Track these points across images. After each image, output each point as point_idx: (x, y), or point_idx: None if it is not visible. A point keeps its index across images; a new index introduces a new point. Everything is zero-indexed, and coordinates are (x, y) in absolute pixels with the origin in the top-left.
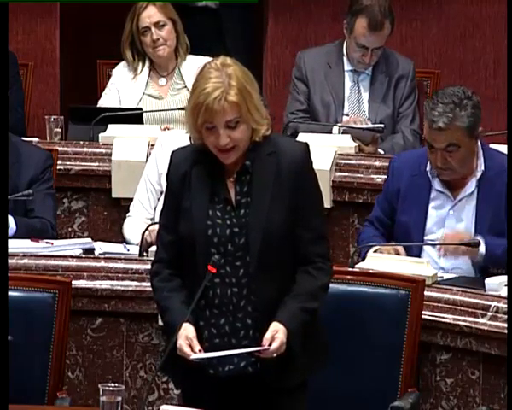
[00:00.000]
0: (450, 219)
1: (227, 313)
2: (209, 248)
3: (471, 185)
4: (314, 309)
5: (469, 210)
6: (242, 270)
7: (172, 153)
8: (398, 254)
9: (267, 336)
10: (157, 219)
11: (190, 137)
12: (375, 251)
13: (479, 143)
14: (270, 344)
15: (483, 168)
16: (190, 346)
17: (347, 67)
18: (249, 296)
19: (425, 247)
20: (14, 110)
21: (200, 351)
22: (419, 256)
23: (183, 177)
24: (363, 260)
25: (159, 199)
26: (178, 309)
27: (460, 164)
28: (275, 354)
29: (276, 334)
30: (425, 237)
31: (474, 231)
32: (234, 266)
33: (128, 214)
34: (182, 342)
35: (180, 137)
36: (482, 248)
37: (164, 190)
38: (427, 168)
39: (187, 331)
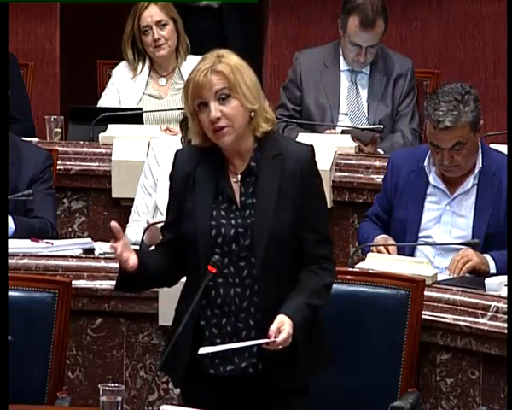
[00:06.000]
0: (447, 215)
1: (229, 313)
2: (213, 248)
3: (468, 182)
4: (317, 307)
5: (467, 207)
6: (246, 271)
7: (176, 153)
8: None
9: (273, 327)
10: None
11: (182, 141)
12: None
13: (479, 139)
14: (275, 336)
15: (480, 165)
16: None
17: (344, 66)
18: (252, 297)
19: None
20: (26, 118)
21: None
22: (413, 253)
23: (186, 177)
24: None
25: (157, 207)
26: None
27: (465, 160)
28: (280, 347)
29: (282, 326)
30: (420, 234)
31: (472, 228)
32: (238, 266)
33: (128, 224)
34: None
35: (171, 143)
36: (492, 268)
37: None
38: (425, 164)
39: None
